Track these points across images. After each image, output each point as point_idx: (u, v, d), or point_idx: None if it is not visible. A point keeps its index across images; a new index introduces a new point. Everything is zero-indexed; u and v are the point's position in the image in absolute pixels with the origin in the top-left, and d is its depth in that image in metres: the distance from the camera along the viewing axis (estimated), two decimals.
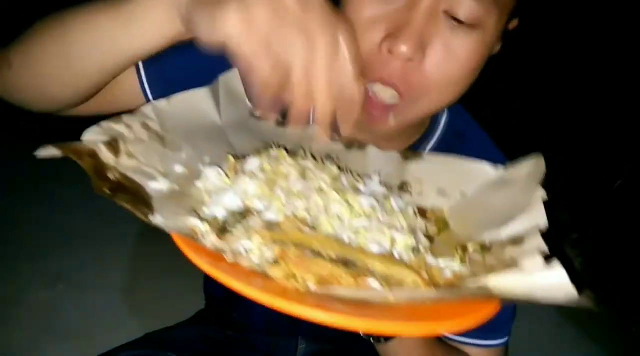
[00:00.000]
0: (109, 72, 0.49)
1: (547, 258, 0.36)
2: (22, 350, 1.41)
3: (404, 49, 0.46)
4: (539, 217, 0.43)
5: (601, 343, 1.74)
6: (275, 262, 0.36)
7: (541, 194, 0.44)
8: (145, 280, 1.69)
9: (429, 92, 0.51)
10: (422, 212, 0.50)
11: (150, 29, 0.44)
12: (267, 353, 0.78)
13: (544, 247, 0.39)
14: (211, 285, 0.84)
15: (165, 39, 0.45)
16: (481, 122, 0.67)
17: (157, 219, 0.37)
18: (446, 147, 0.65)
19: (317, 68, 0.38)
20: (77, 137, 0.41)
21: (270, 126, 0.55)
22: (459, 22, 0.47)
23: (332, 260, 0.38)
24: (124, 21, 0.44)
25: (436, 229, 0.48)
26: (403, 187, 0.53)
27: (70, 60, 0.48)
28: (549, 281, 0.33)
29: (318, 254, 0.38)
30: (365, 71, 0.49)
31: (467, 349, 0.64)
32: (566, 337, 1.76)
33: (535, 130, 2.18)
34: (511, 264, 0.38)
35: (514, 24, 0.54)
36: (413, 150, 0.64)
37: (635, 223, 1.83)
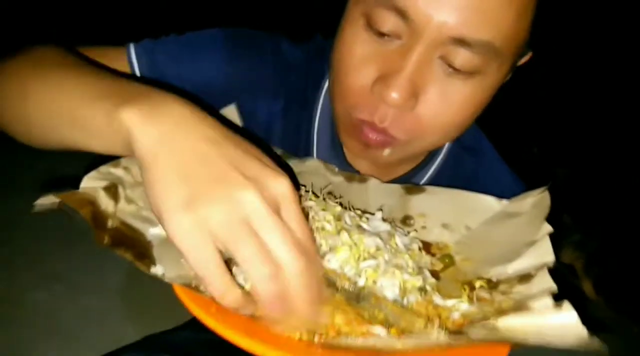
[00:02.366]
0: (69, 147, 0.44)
1: (557, 298, 0.35)
2: (19, 351, 1.40)
3: (394, 96, 0.44)
4: (546, 254, 0.42)
5: (601, 342, 1.74)
6: None
7: (547, 229, 0.44)
8: (144, 282, 1.68)
9: (423, 136, 0.49)
10: (427, 247, 0.50)
11: (105, 150, 0.39)
12: None
13: (553, 286, 0.38)
14: None
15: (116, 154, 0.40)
16: (482, 121, 0.67)
17: (158, 270, 0.36)
18: (453, 161, 0.64)
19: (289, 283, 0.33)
20: None
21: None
22: (455, 69, 0.44)
23: (346, 291, 0.37)
24: (78, 127, 0.39)
25: (441, 265, 0.48)
26: (406, 221, 0.53)
27: (29, 125, 0.44)
28: (559, 323, 0.33)
29: (332, 284, 0.38)
30: (355, 106, 0.49)
31: None
32: None
33: (535, 130, 2.18)
34: (521, 305, 0.37)
35: (525, 59, 0.52)
36: (422, 168, 0.64)
37: (637, 223, 1.83)
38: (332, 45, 0.51)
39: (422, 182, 0.64)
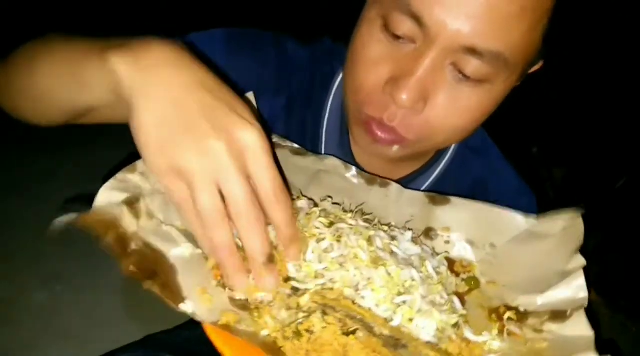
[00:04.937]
0: (76, 117, 0.47)
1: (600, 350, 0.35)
2: (20, 351, 1.40)
3: (404, 97, 0.45)
4: (579, 290, 0.41)
5: (601, 343, 1.74)
6: (298, 333, 0.36)
7: (581, 262, 0.43)
8: None
9: (431, 137, 0.50)
10: (451, 264, 0.49)
11: (100, 102, 0.41)
12: None
13: (591, 334, 0.37)
14: None
15: (121, 115, 0.41)
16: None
17: (188, 308, 0.36)
18: (460, 161, 0.64)
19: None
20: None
21: (286, 152, 0.53)
22: (465, 76, 0.45)
23: (384, 337, 0.36)
24: (77, 83, 0.42)
25: (466, 287, 0.47)
26: (429, 234, 0.52)
27: (35, 99, 0.47)
28: None
29: (369, 328, 0.37)
30: (366, 103, 0.50)
31: None
32: None
33: (535, 130, 2.17)
34: (559, 350, 0.36)
35: (536, 67, 0.52)
36: (428, 168, 0.64)
37: (637, 223, 1.83)
38: (342, 47, 0.53)
39: (429, 181, 0.65)
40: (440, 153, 0.64)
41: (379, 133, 0.50)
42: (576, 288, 0.42)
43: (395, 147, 0.52)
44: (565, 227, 0.46)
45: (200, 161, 0.34)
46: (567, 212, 0.47)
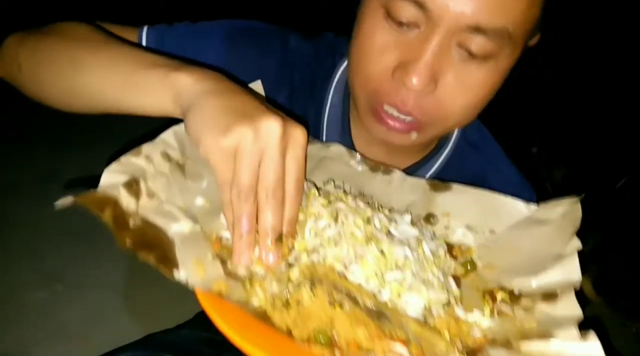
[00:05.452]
0: (109, 111, 0.50)
1: (581, 325, 0.35)
2: (20, 350, 1.41)
3: (415, 81, 0.47)
4: (572, 272, 0.42)
5: (601, 343, 1.74)
6: (287, 304, 0.37)
7: (576, 245, 0.43)
8: (145, 281, 1.69)
9: (445, 117, 0.51)
10: (449, 248, 0.49)
11: (152, 105, 0.46)
12: None
13: (579, 313, 0.38)
14: None
15: (165, 114, 0.46)
16: (482, 118, 0.67)
17: (182, 275, 0.37)
18: (459, 156, 0.65)
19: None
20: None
21: None
22: (471, 54, 0.47)
23: (367, 309, 0.37)
24: (131, 88, 0.46)
25: (463, 270, 0.47)
26: (429, 219, 0.52)
27: (74, 94, 0.50)
28: (582, 354, 0.33)
29: (355, 300, 0.38)
30: (377, 92, 0.51)
31: None
32: None
33: (535, 130, 2.18)
34: (545, 332, 0.37)
35: (534, 40, 0.54)
36: (427, 161, 0.64)
37: (636, 222, 1.83)
38: (344, 42, 0.54)
39: (429, 173, 0.65)
40: (439, 147, 0.64)
41: (391, 123, 0.51)
42: (570, 270, 0.42)
43: (414, 134, 0.53)
44: (564, 212, 0.47)
45: (255, 139, 0.38)
46: (567, 199, 0.47)
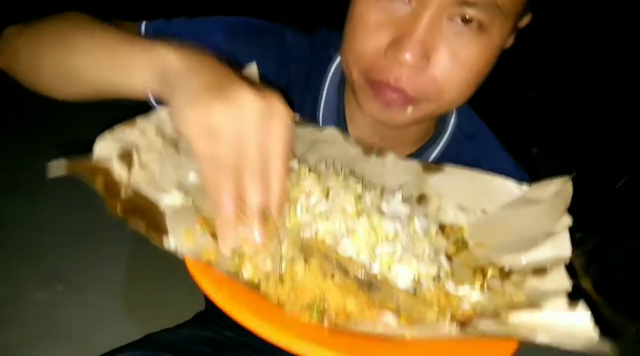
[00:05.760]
0: (102, 95, 0.51)
1: (570, 297, 0.35)
2: (21, 351, 1.41)
3: (407, 56, 0.47)
4: (562, 247, 0.42)
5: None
6: (281, 279, 0.36)
7: (567, 222, 0.44)
8: (145, 281, 1.69)
9: (440, 94, 0.52)
10: (441, 228, 0.49)
11: (138, 83, 0.45)
12: (268, 355, 0.78)
13: (568, 284, 0.38)
14: None
15: (152, 93, 0.46)
16: (482, 118, 0.68)
17: (171, 243, 0.37)
18: (455, 147, 0.65)
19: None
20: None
21: None
22: (464, 21, 0.48)
23: (357, 280, 0.37)
24: (119, 67, 0.46)
25: (454, 249, 0.48)
26: (421, 200, 0.52)
27: (69, 78, 0.51)
28: (571, 324, 0.33)
29: (345, 271, 0.38)
30: (371, 68, 0.52)
31: None
32: None
33: (535, 129, 2.18)
34: (533, 302, 0.37)
35: (525, 20, 0.55)
36: (423, 152, 0.64)
37: (637, 222, 1.83)
38: (338, 36, 0.56)
39: None
40: (435, 138, 0.65)
41: (389, 95, 0.52)
42: (560, 246, 0.42)
43: (409, 109, 0.53)
44: (555, 191, 0.47)
45: (236, 116, 0.38)
46: (558, 178, 0.48)
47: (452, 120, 0.65)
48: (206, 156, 0.38)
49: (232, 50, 0.58)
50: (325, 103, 0.64)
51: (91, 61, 0.48)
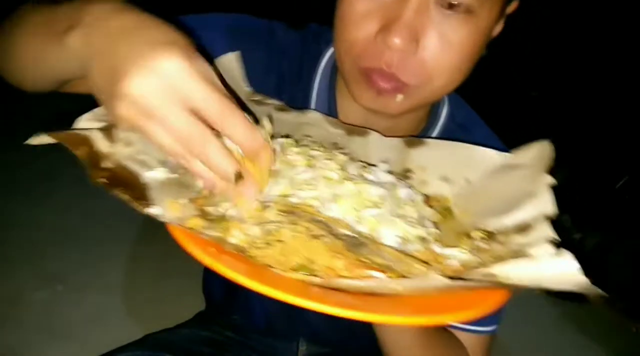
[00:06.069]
0: (58, 80, 0.49)
1: (556, 246, 0.36)
2: (21, 351, 1.41)
3: (396, 41, 0.48)
4: (545, 204, 0.42)
5: (601, 343, 1.74)
6: (268, 244, 0.37)
7: (547, 180, 0.44)
8: (145, 281, 1.69)
9: (430, 79, 0.52)
10: (426, 200, 0.50)
11: (68, 60, 0.43)
12: (268, 355, 0.78)
13: (552, 234, 0.38)
14: (210, 286, 0.83)
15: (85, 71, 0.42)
16: (482, 118, 0.67)
17: (156, 210, 0.37)
18: (448, 137, 0.65)
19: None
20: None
21: (269, 109, 0.56)
22: (451, 6, 0.48)
23: (345, 239, 0.37)
24: (54, 47, 0.44)
25: (440, 217, 0.48)
26: (405, 174, 0.53)
27: (23, 68, 0.50)
28: (557, 268, 0.33)
29: (331, 231, 0.38)
30: (362, 56, 0.52)
31: (455, 333, 0.64)
32: (566, 337, 1.76)
33: (535, 129, 2.18)
34: (519, 253, 0.37)
35: (512, 6, 0.55)
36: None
37: (637, 222, 1.83)
38: (328, 30, 0.56)
39: None
40: (427, 128, 0.65)
41: (381, 83, 0.52)
42: (543, 204, 0.42)
43: (400, 96, 0.53)
44: (535, 155, 0.48)
45: (159, 91, 0.35)
46: (537, 142, 0.48)
47: (444, 111, 0.65)
48: (157, 141, 0.36)
49: (231, 47, 0.58)
50: (317, 97, 0.64)
51: (35, 52, 0.47)
